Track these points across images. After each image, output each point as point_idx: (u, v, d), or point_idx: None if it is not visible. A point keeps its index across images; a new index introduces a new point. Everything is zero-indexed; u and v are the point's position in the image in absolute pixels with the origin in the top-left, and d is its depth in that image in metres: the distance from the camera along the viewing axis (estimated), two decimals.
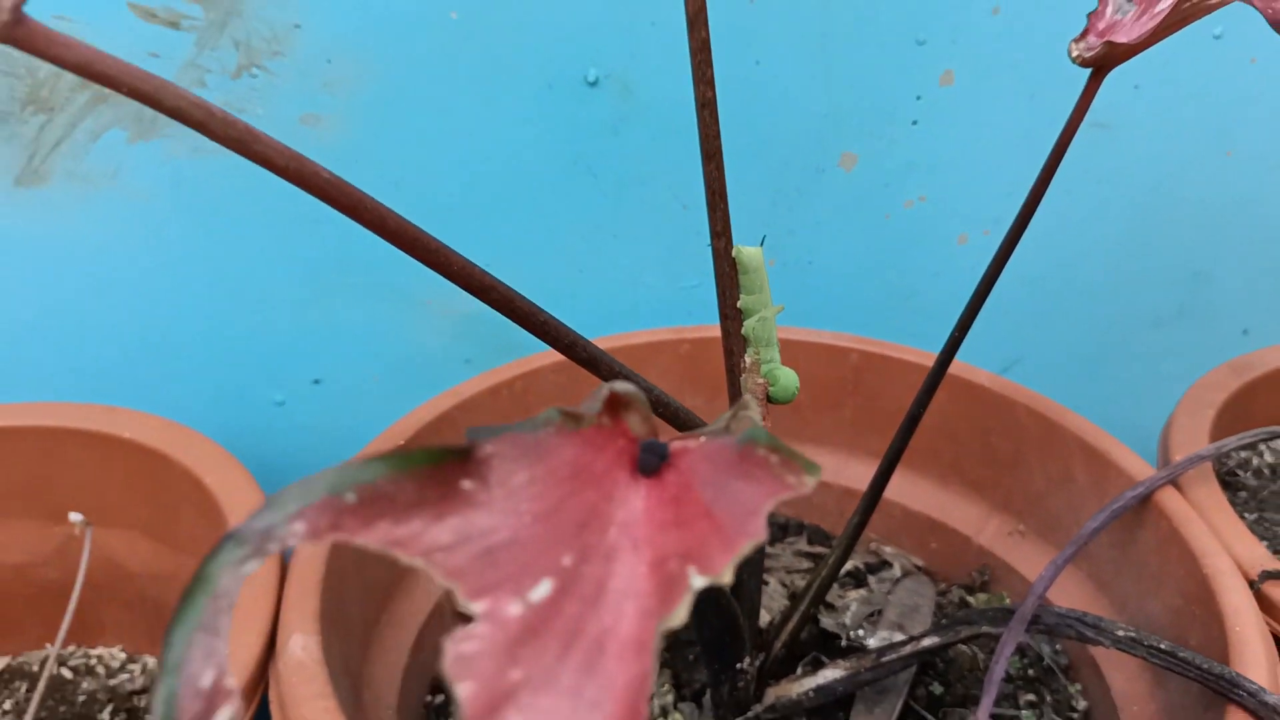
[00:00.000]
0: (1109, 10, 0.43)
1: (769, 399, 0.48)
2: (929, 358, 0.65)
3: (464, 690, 0.14)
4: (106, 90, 0.57)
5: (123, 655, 0.64)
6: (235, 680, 0.17)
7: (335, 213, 0.39)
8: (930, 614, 0.61)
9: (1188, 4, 0.40)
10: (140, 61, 0.55)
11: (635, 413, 0.22)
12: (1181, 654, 0.45)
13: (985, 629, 0.51)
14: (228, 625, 0.18)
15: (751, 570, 0.51)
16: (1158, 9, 0.41)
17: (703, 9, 0.41)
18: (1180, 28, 0.42)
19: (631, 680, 0.15)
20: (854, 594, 0.63)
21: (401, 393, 0.69)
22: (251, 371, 0.68)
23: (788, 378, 0.47)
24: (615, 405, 0.21)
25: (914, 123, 0.68)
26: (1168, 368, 0.80)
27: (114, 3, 0.57)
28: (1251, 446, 0.69)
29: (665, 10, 0.62)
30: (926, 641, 0.52)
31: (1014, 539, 0.63)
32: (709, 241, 0.45)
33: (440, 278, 0.35)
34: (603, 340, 0.66)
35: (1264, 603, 0.51)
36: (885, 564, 0.66)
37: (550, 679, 0.15)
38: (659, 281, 0.70)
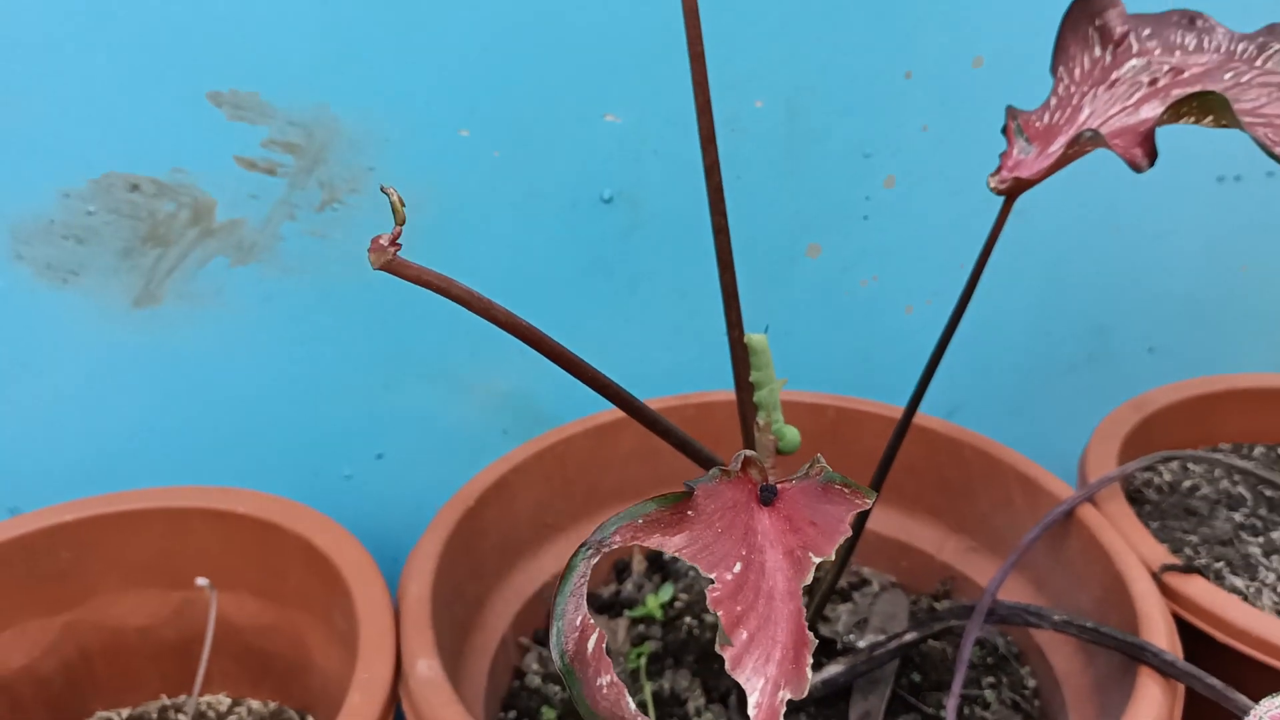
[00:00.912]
0: (1015, 151, 0.58)
1: (778, 451, 0.62)
2: (891, 409, 0.80)
3: (720, 614, 0.27)
4: (214, 225, 0.71)
5: (228, 700, 0.76)
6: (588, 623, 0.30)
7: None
8: (906, 619, 0.75)
9: (1073, 149, 0.55)
10: (243, 201, 0.68)
11: (755, 467, 0.35)
12: (1104, 630, 0.60)
13: (953, 622, 0.66)
14: (584, 593, 0.31)
15: None
16: (1050, 151, 0.57)
17: (714, 159, 0.55)
18: (1069, 162, 0.57)
19: (792, 612, 0.29)
20: (843, 607, 0.77)
21: (452, 461, 0.82)
22: (325, 450, 0.81)
23: (792, 434, 0.61)
24: (746, 464, 0.35)
25: (865, 218, 0.84)
26: (1082, 404, 0.95)
27: (223, 157, 0.70)
28: (1151, 468, 0.84)
29: (666, 141, 0.77)
30: (908, 636, 0.66)
31: (968, 554, 0.78)
32: (725, 331, 0.59)
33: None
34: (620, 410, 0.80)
35: (1165, 589, 0.66)
36: (865, 581, 0.80)
37: (753, 610, 0.28)
38: (664, 357, 0.84)
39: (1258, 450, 0.86)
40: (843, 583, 0.80)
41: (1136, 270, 0.92)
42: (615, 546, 0.30)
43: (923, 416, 0.78)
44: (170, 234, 0.71)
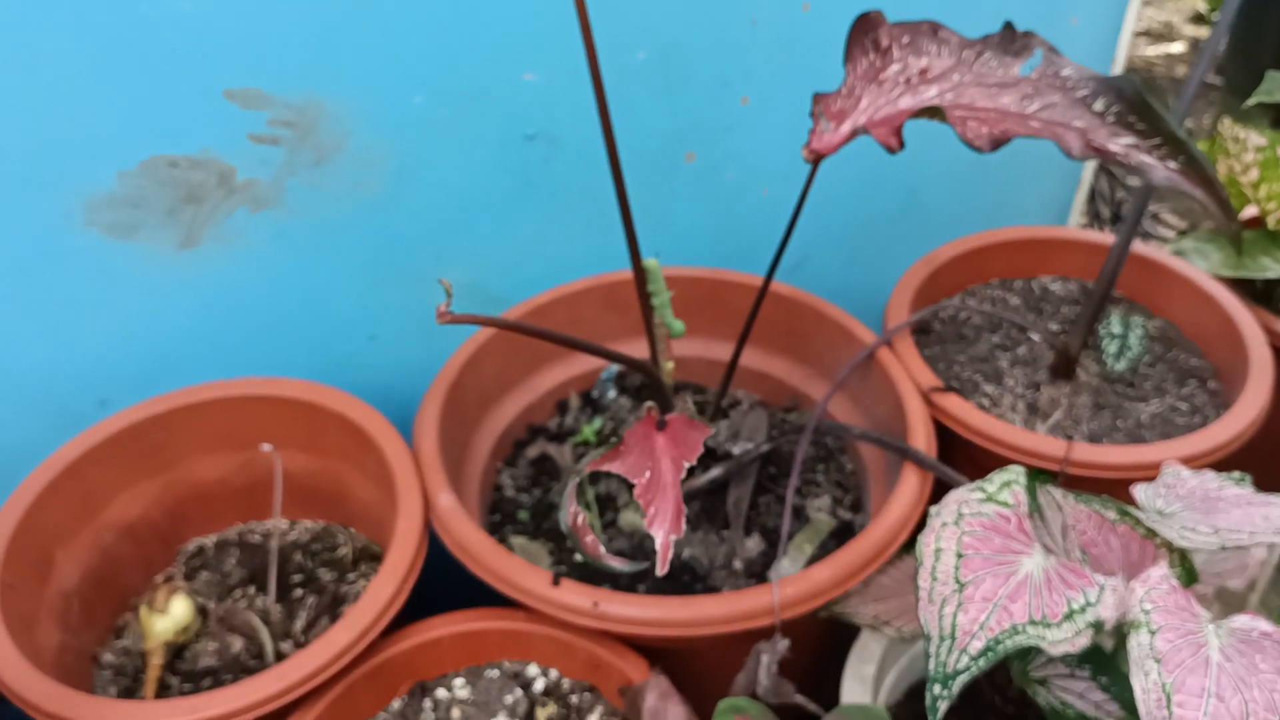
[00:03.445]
0: (819, 129, 0.84)
1: (671, 337, 0.91)
2: (752, 278, 1.09)
3: (640, 501, 0.56)
4: (236, 185, 0.94)
5: (286, 523, 1.05)
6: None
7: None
8: (766, 430, 1.06)
9: (855, 132, 0.82)
10: (256, 166, 0.92)
11: (655, 408, 0.64)
12: (885, 439, 0.92)
13: (792, 436, 0.97)
14: (574, 495, 0.59)
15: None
16: (841, 130, 0.83)
17: (605, 107, 0.80)
18: (855, 138, 0.83)
19: (675, 496, 0.58)
20: (723, 423, 1.08)
21: (428, 336, 1.10)
22: (331, 335, 1.07)
23: (678, 326, 0.90)
24: (650, 409, 0.63)
25: (728, 129, 1.09)
26: (900, 248, 1.25)
27: (239, 136, 0.92)
28: (933, 314, 1.15)
29: (571, 90, 1.01)
30: (764, 447, 0.98)
31: (808, 380, 1.09)
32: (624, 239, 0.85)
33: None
34: (553, 290, 1.07)
35: (932, 406, 0.97)
36: (738, 402, 1.11)
37: (656, 495, 0.58)
38: (583, 245, 1.11)
39: (1017, 283, 1.17)
40: (722, 403, 1.11)
41: (939, 142, 1.19)
42: (587, 473, 0.58)
43: (775, 284, 1.06)
44: (203, 194, 0.94)
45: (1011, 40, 0.82)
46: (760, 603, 0.79)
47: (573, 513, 0.56)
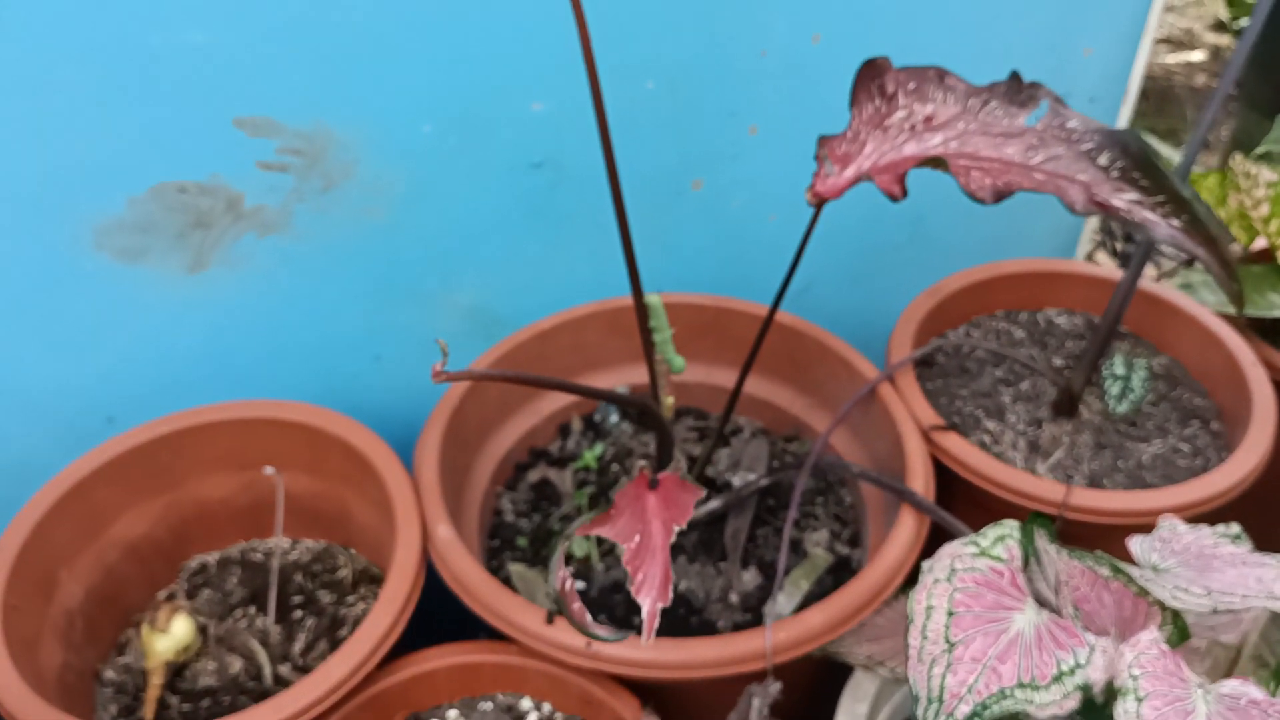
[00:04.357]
0: (823, 172, 0.84)
1: (671, 373, 0.91)
2: (754, 306, 1.09)
3: (628, 568, 0.57)
4: (244, 211, 0.95)
5: (288, 542, 1.06)
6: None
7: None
8: (766, 460, 1.07)
9: (858, 178, 0.82)
10: (264, 192, 0.93)
11: (648, 468, 0.64)
12: (883, 479, 0.92)
13: (791, 473, 0.97)
14: (564, 561, 0.60)
15: (666, 455, 0.95)
16: (845, 174, 0.83)
17: (608, 138, 0.80)
18: (857, 184, 0.83)
19: (664, 562, 0.59)
20: (724, 451, 1.08)
21: (433, 358, 1.10)
22: (337, 356, 1.08)
23: (678, 362, 0.90)
24: (642, 470, 0.64)
25: (735, 157, 1.09)
26: (906, 273, 1.25)
27: (247, 163, 0.93)
28: (936, 350, 1.15)
29: (578, 119, 1.01)
30: (763, 481, 0.98)
31: (810, 409, 1.09)
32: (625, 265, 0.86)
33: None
34: (558, 315, 1.08)
35: (932, 444, 0.98)
36: (740, 429, 1.12)
37: (645, 560, 0.58)
38: (587, 271, 1.11)
39: (1023, 315, 1.17)
40: (725, 431, 1.11)
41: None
42: (574, 539, 0.59)
43: (780, 314, 1.06)
44: (212, 220, 0.95)
45: (1018, 90, 0.81)
46: (752, 646, 0.79)
47: (561, 578, 0.57)
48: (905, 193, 0.79)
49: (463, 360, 1.06)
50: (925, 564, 0.74)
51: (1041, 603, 0.80)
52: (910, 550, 0.87)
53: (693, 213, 1.12)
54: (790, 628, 0.80)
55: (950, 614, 0.71)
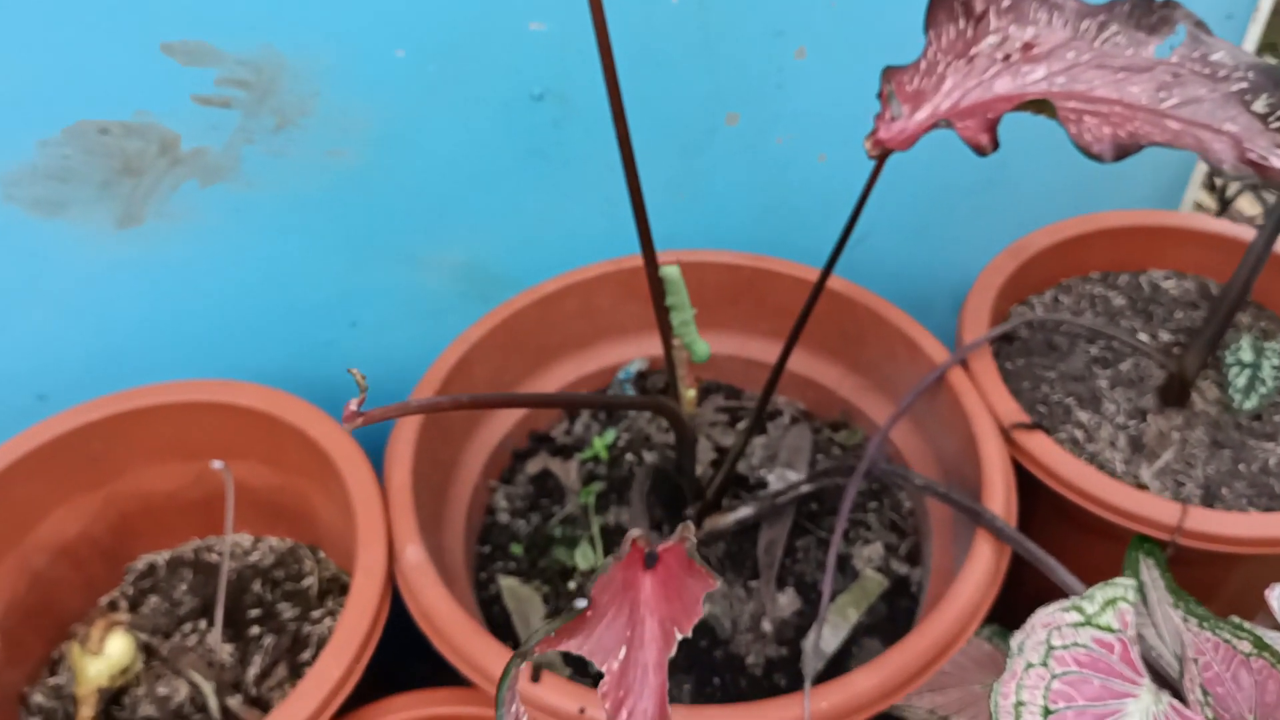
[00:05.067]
0: (888, 115, 0.66)
1: (693, 361, 0.74)
2: (797, 268, 0.91)
3: (607, 705, 0.41)
4: (181, 154, 0.78)
5: (250, 538, 0.91)
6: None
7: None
8: (809, 453, 0.90)
9: (939, 117, 0.63)
10: (204, 132, 0.76)
11: (641, 539, 0.48)
12: (954, 495, 0.75)
13: (838, 480, 0.81)
14: (517, 691, 0.44)
15: (688, 456, 0.79)
16: (916, 118, 0.65)
17: (611, 64, 0.63)
18: (930, 130, 0.65)
19: (660, 682, 0.43)
20: (758, 440, 0.91)
21: (416, 322, 0.94)
22: (307, 323, 0.92)
23: (701, 348, 0.73)
24: (634, 541, 0.47)
25: (779, 86, 0.90)
26: (980, 225, 1.06)
27: (180, 97, 0.76)
28: (1022, 323, 0.96)
29: (586, 41, 0.82)
30: (804, 488, 0.82)
31: (862, 391, 0.92)
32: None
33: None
34: (564, 276, 0.91)
35: (1013, 445, 0.80)
36: (779, 412, 0.95)
37: (634, 686, 0.42)
38: (600, 223, 0.94)
39: (1123, 278, 0.98)
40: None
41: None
42: (537, 654, 0.43)
43: (830, 278, 0.89)
44: (143, 165, 0.79)
45: (1147, 9, 0.62)
46: (786, 717, 0.63)
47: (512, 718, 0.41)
48: (996, 144, 0.61)
49: (457, 325, 0.89)
50: (1014, 640, 0.57)
51: (1157, 677, 0.63)
52: (987, 589, 0.71)
53: (726, 153, 0.94)
54: (834, 694, 0.64)
55: (1048, 712, 0.54)
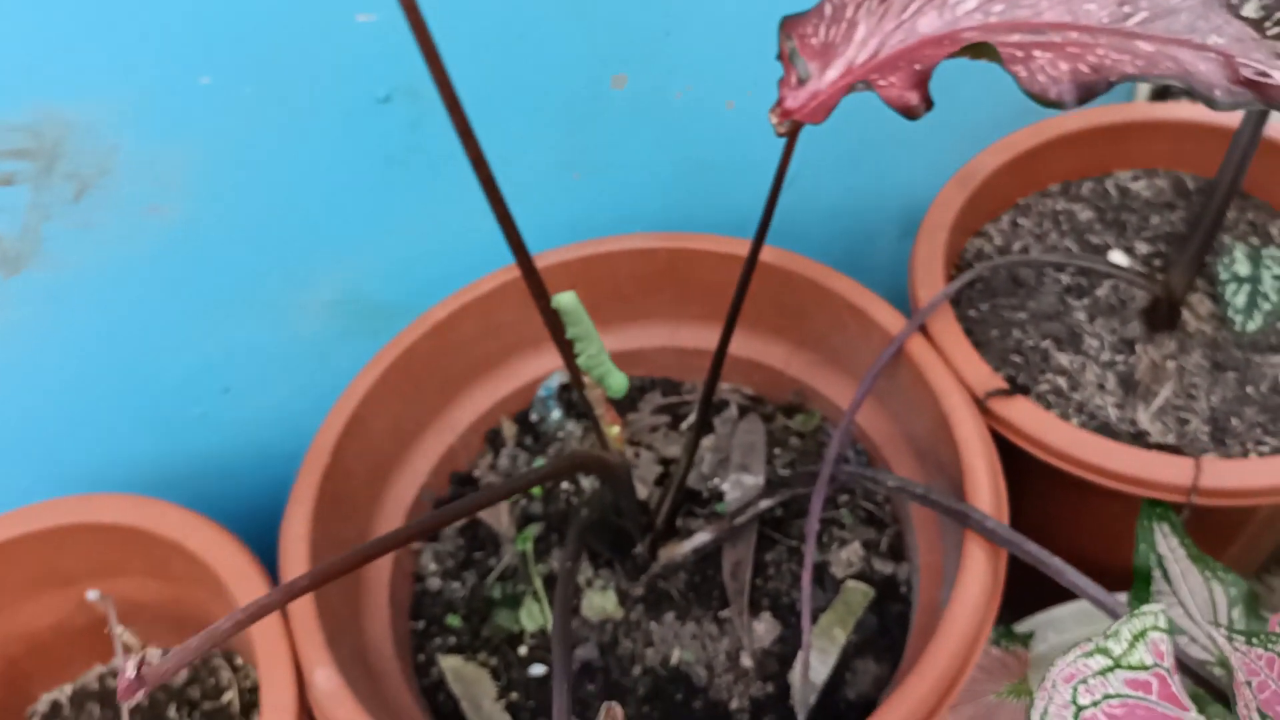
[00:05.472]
0: (794, 79, 0.54)
1: (610, 399, 0.63)
2: (719, 242, 0.79)
3: None
4: None
5: (159, 651, 0.80)
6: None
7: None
8: (764, 448, 0.79)
9: (853, 76, 0.51)
10: None
11: (615, 708, 0.37)
12: (934, 496, 0.64)
13: (800, 490, 0.70)
14: None
15: (625, 497, 0.68)
16: (827, 79, 0.53)
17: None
18: (855, 89, 0.53)
19: None
20: (705, 442, 0.81)
21: (298, 372, 0.82)
22: (170, 398, 0.79)
23: (618, 381, 0.62)
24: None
25: (667, 34, 0.77)
26: (920, 143, 0.94)
27: None
28: (984, 235, 0.85)
29: (436, 24, 0.69)
30: (763, 504, 0.71)
31: (813, 368, 0.81)
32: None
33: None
34: (457, 295, 0.79)
35: (990, 414, 0.70)
36: (724, 403, 0.84)
37: None
38: (485, 227, 0.81)
39: (1086, 187, 0.87)
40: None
41: None
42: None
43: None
44: None
45: None
46: None
47: None
48: (929, 102, 0.49)
49: (346, 369, 0.77)
50: (1034, 704, 0.47)
51: (1200, 683, 0.54)
52: (987, 605, 0.61)
53: (620, 120, 0.81)
54: None
55: None
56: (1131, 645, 0.49)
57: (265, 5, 0.64)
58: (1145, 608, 0.50)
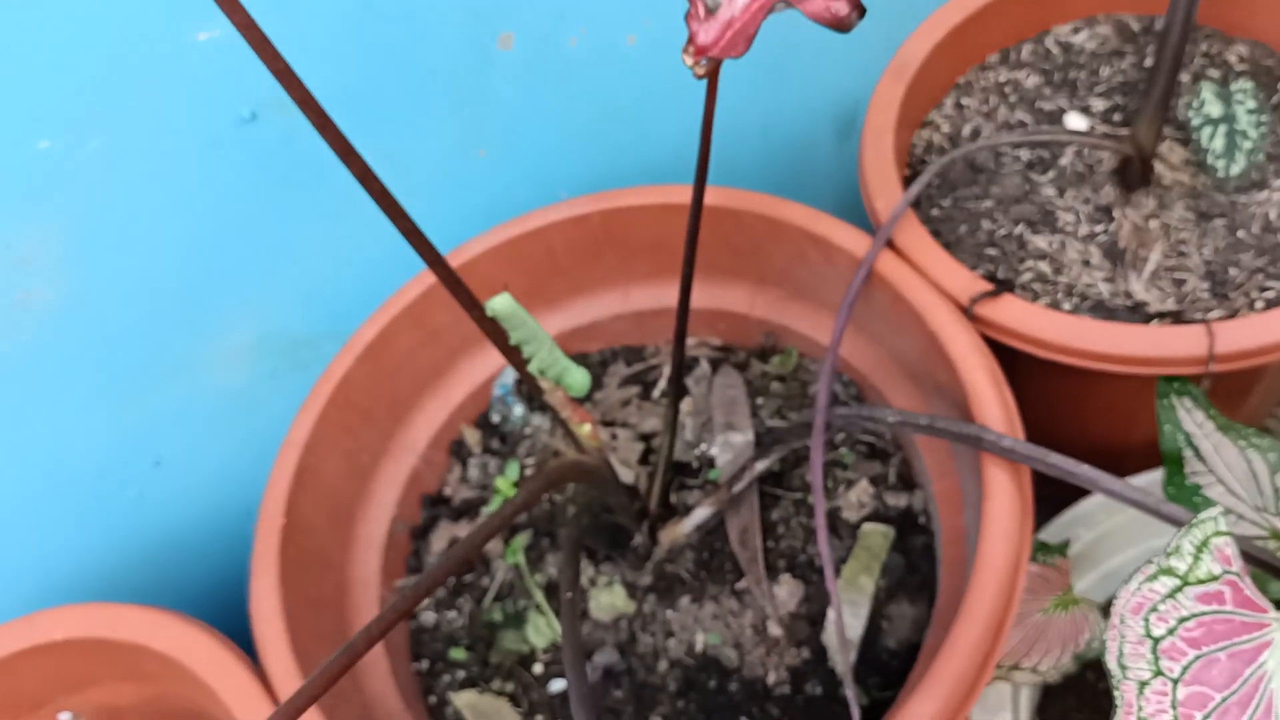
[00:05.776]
0: (702, 9, 0.47)
1: (573, 399, 0.57)
2: (653, 193, 0.73)
3: None
4: None
5: None
6: None
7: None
8: (745, 401, 0.74)
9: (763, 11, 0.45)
10: None
11: None
12: (939, 424, 0.59)
13: (795, 444, 0.65)
14: None
15: (614, 493, 0.63)
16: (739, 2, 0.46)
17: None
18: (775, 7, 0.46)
19: None
20: (683, 407, 0.75)
21: (234, 430, 0.75)
22: (98, 484, 0.72)
23: (579, 379, 0.56)
24: None
25: None
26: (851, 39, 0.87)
27: None
28: (931, 125, 0.79)
29: (289, 27, 0.61)
30: (760, 467, 0.66)
31: (780, 304, 0.75)
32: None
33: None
34: (384, 308, 0.72)
35: (979, 321, 0.64)
36: (694, 360, 0.78)
37: None
38: (392, 240, 0.74)
39: (1025, 49, 0.80)
40: (669, 367, 0.78)
41: None
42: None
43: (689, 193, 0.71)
44: None
45: None
46: None
47: None
48: (861, 9, 0.44)
49: (283, 411, 0.71)
50: (1109, 655, 0.42)
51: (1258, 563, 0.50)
52: (1020, 533, 0.56)
53: (514, 82, 0.74)
54: None
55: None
56: (1196, 558, 0.44)
57: (89, 47, 0.57)
58: (1202, 514, 0.45)
